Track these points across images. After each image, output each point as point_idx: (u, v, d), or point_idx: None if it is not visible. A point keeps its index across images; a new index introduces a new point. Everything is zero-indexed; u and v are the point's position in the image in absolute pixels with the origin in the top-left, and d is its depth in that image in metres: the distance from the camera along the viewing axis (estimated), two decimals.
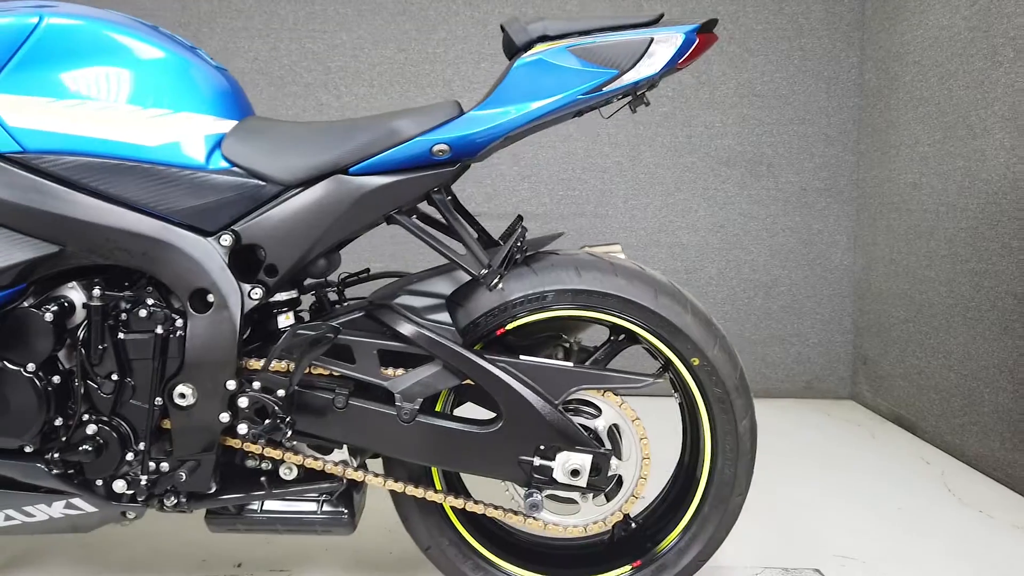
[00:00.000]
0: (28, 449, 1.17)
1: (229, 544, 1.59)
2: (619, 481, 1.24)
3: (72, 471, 1.18)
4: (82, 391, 1.15)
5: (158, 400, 1.16)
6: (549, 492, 1.23)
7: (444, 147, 1.14)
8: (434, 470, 1.28)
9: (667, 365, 1.29)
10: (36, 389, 1.13)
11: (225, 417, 1.16)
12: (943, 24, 2.31)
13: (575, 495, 1.23)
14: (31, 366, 1.13)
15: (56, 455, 1.15)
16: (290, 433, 1.16)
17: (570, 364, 1.21)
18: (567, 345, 1.36)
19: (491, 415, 1.21)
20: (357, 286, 1.43)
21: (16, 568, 1.48)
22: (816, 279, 2.89)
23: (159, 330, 1.14)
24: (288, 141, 1.18)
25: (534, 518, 1.24)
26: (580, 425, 1.20)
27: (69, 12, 1.14)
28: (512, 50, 1.17)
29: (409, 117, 1.16)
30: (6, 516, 1.20)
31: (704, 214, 2.87)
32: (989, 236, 2.09)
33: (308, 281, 1.31)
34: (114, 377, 1.15)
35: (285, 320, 1.25)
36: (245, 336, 1.18)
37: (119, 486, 1.18)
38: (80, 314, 1.16)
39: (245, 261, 1.18)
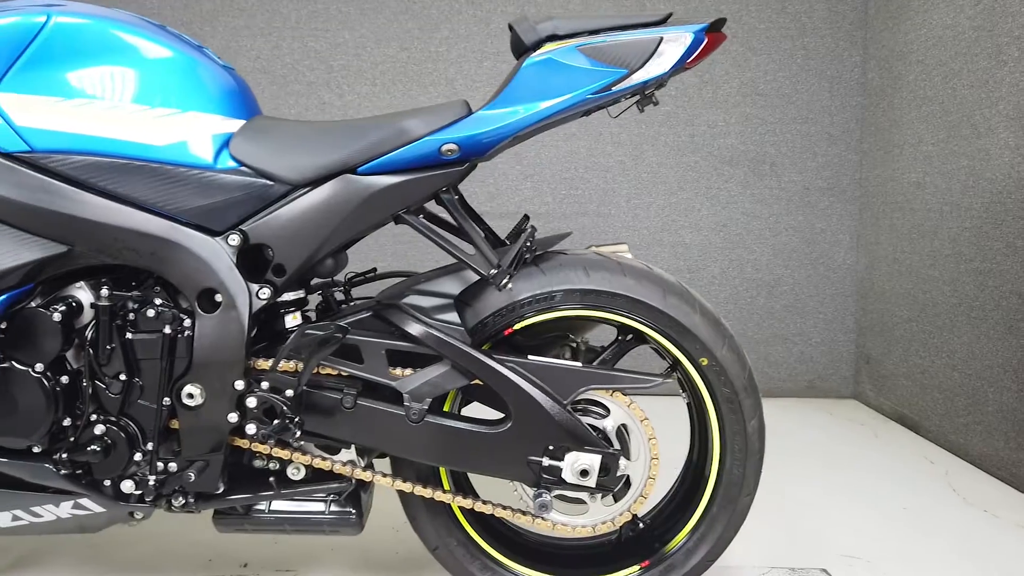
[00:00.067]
0: (36, 449, 1.16)
1: (235, 544, 1.59)
2: (627, 481, 1.24)
3: (80, 471, 1.18)
4: (90, 391, 1.15)
5: (166, 400, 1.16)
6: (558, 492, 1.22)
7: (453, 147, 1.14)
8: (442, 470, 1.28)
9: (675, 365, 1.29)
10: (44, 389, 1.12)
11: (233, 417, 1.16)
12: (947, 23, 2.31)
13: (584, 495, 1.23)
14: (39, 366, 1.13)
15: (64, 455, 1.15)
16: (299, 433, 1.16)
17: (579, 364, 1.21)
18: (574, 345, 1.36)
19: (499, 415, 1.21)
20: (363, 286, 1.42)
21: (23, 568, 1.48)
22: (819, 278, 2.89)
23: (167, 330, 1.14)
24: (296, 140, 1.18)
25: (543, 518, 1.24)
26: (589, 425, 1.20)
27: (76, 11, 1.14)
28: (520, 49, 1.16)
29: (418, 117, 1.16)
30: (14, 516, 1.20)
31: (707, 213, 2.86)
32: (993, 235, 2.09)
33: (314, 281, 1.31)
34: (122, 377, 1.15)
35: (292, 320, 1.24)
36: (252, 336, 1.18)
37: (127, 486, 1.18)
38: (88, 314, 1.16)
39: (253, 261, 1.18)
